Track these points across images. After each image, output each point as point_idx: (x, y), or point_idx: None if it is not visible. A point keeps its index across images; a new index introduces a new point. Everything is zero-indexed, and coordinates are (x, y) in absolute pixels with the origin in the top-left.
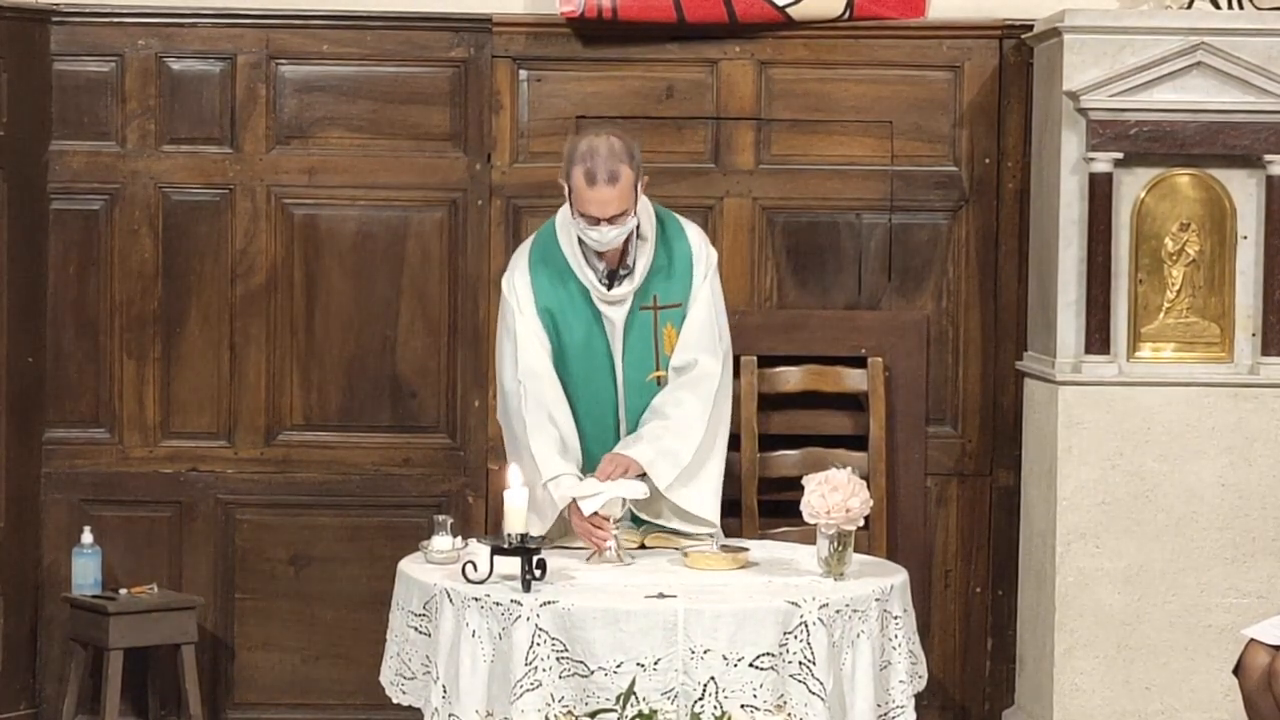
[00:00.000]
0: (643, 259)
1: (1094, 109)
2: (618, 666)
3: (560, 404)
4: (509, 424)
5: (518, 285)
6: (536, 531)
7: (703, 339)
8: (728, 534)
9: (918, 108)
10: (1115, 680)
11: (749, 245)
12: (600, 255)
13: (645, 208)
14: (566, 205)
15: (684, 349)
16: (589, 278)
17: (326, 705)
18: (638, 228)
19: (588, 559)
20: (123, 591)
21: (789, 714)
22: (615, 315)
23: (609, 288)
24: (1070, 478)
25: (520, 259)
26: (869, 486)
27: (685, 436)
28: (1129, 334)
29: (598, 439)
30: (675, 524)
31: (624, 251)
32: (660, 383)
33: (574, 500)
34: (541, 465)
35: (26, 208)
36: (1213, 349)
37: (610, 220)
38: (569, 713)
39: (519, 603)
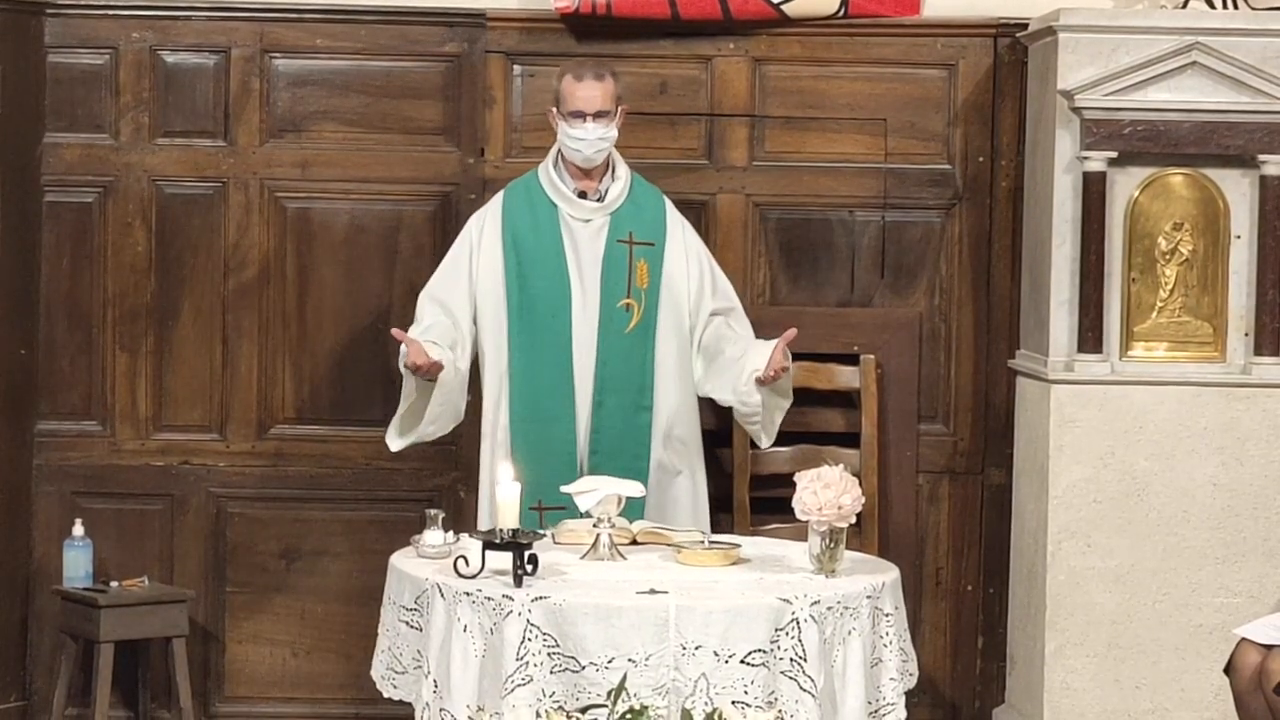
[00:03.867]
0: (615, 189)
1: (1088, 108)
2: (609, 662)
3: (442, 333)
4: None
5: (486, 213)
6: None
7: (730, 293)
8: (718, 531)
9: (912, 105)
10: (1106, 679)
11: (742, 242)
12: (576, 176)
13: (619, 158)
14: (546, 160)
15: (724, 297)
16: (564, 194)
17: (317, 699)
18: (613, 167)
19: (582, 556)
20: (114, 584)
21: (780, 711)
22: (587, 243)
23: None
24: (1062, 476)
25: (498, 195)
26: (860, 484)
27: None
28: (1122, 333)
29: (552, 362)
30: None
31: (600, 183)
32: (628, 309)
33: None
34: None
35: (20, 200)
36: (1205, 348)
37: (595, 117)
38: (560, 708)
39: (510, 598)
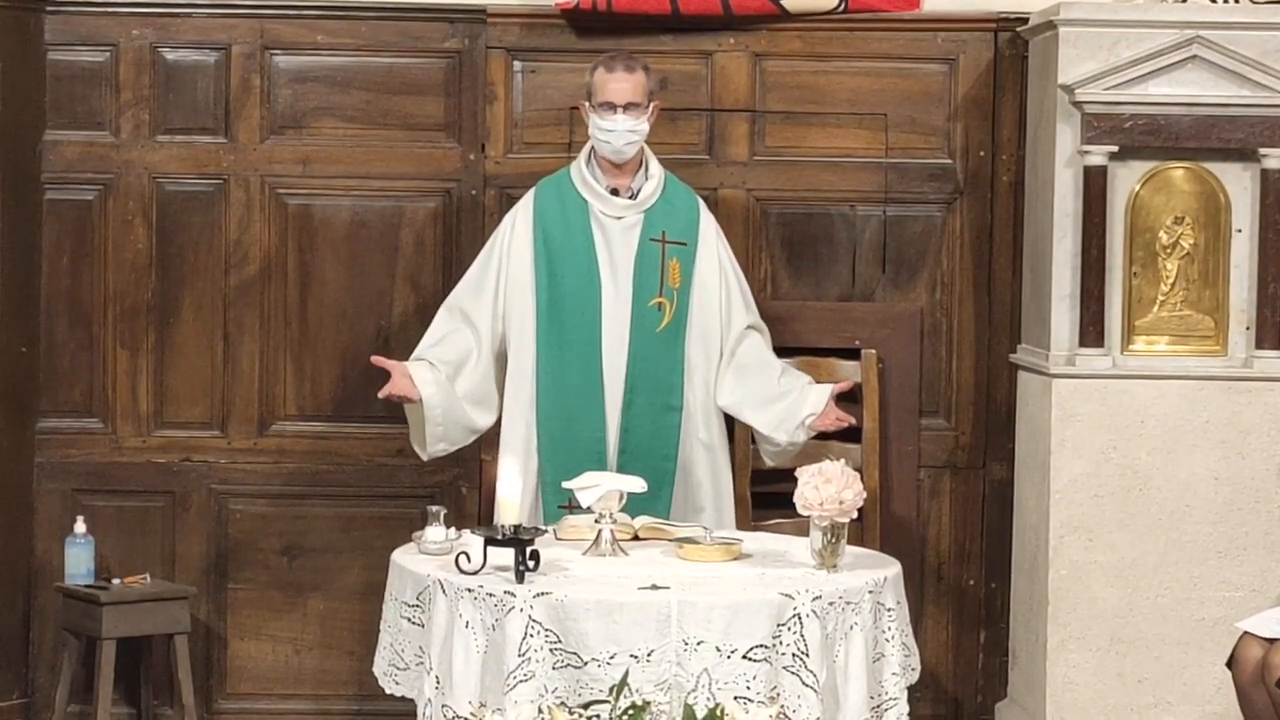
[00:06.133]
0: (648, 187)
1: (1089, 102)
2: (611, 658)
3: (451, 346)
4: None
5: (518, 211)
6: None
7: (757, 311)
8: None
9: (912, 100)
10: (1108, 673)
11: (744, 237)
12: (608, 172)
13: (652, 156)
14: (579, 157)
15: (754, 314)
16: (595, 190)
17: (319, 695)
18: (646, 165)
19: (584, 552)
20: (115, 581)
21: (782, 706)
22: (619, 240)
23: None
24: (1063, 471)
25: (530, 191)
26: (862, 479)
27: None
28: (1123, 327)
29: (582, 360)
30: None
31: (631, 180)
32: (660, 308)
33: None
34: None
35: (20, 198)
36: (1206, 342)
37: (625, 109)
38: (562, 704)
39: (512, 594)
